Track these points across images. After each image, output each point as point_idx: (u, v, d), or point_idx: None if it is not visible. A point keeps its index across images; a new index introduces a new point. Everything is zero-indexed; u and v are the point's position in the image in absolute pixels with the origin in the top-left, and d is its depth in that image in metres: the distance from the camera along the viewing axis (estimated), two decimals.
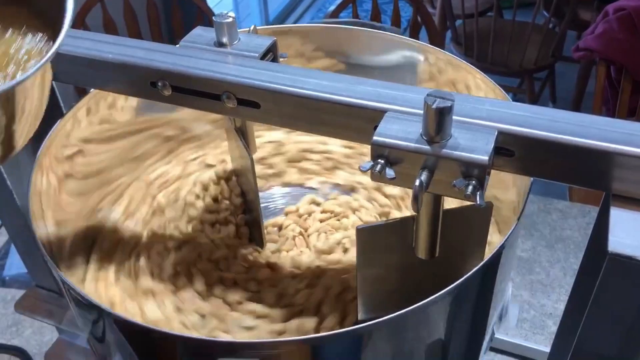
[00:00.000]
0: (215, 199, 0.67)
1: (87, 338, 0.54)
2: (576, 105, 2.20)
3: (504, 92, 0.55)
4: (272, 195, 0.72)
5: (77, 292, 0.42)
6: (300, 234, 0.65)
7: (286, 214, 0.67)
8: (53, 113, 0.61)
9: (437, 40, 1.89)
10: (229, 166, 0.69)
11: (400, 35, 0.64)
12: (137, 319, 0.55)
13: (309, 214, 0.67)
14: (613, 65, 1.54)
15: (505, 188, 0.57)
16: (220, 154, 0.73)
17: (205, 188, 0.68)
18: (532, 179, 0.47)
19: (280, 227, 0.66)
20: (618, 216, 0.38)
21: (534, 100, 2.23)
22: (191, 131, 0.73)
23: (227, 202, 0.67)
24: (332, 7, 1.65)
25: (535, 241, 0.97)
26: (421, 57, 0.64)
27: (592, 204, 1.03)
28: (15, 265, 0.98)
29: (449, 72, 0.62)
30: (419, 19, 1.83)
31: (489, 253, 0.44)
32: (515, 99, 2.50)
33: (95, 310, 0.43)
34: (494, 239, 0.60)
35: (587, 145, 0.38)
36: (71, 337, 0.70)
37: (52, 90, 0.61)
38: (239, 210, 0.66)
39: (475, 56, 2.11)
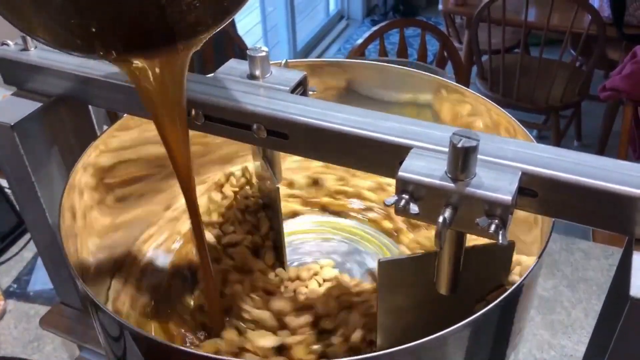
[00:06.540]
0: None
1: (107, 357, 0.54)
2: (602, 144, 2.19)
3: (529, 134, 0.55)
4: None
5: (99, 306, 0.43)
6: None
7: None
8: (87, 134, 0.63)
9: (462, 74, 1.91)
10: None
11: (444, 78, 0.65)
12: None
13: None
14: None
15: (528, 227, 0.57)
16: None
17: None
18: (553, 219, 0.47)
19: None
20: None
21: (559, 137, 2.22)
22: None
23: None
24: (360, 40, 1.68)
25: (557, 281, 0.96)
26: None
27: (616, 246, 1.02)
28: (39, 280, 1.00)
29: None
30: (445, 53, 1.85)
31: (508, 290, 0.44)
32: (540, 136, 2.49)
33: (117, 326, 0.44)
34: (515, 277, 0.60)
35: (610, 189, 0.38)
36: (92, 355, 0.70)
37: (87, 112, 0.64)
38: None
39: (500, 92, 2.12)
